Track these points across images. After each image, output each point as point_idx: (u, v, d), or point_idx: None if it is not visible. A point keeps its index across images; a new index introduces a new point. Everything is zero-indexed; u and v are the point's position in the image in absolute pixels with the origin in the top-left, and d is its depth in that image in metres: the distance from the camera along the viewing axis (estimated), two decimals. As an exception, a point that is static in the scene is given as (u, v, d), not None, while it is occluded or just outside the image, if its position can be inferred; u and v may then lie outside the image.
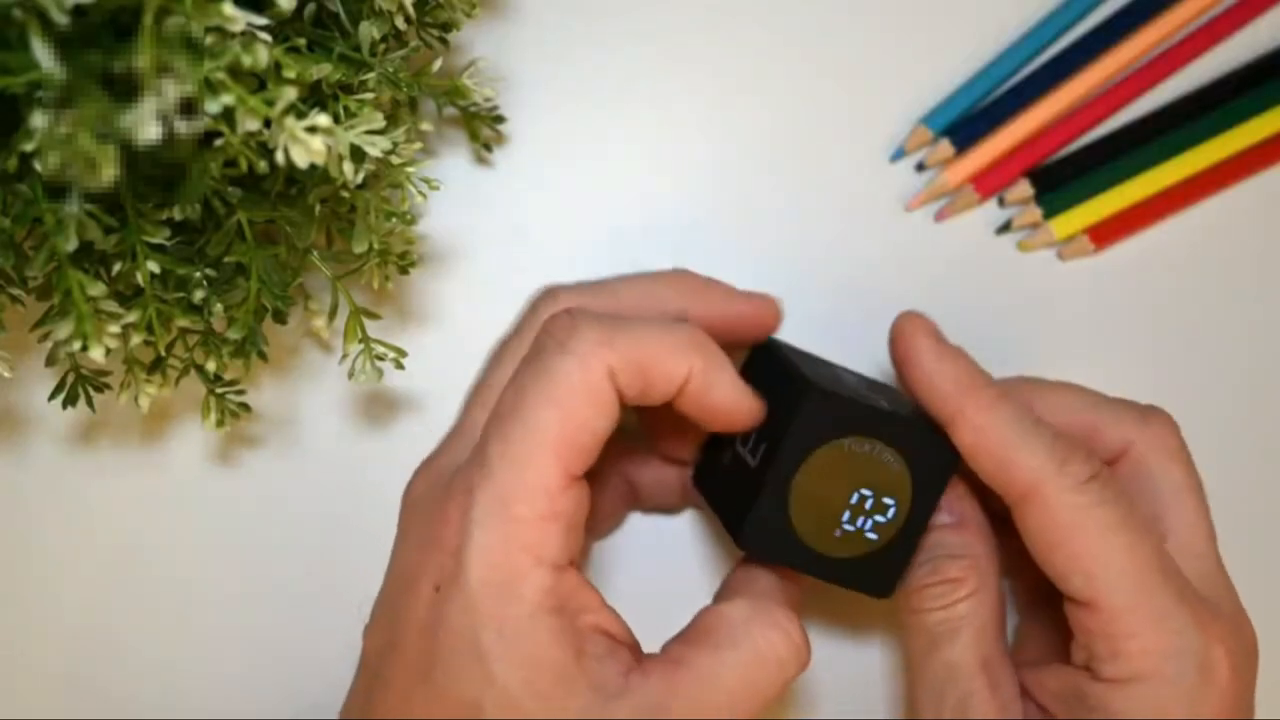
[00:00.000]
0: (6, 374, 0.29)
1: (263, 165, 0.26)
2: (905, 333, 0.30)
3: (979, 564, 0.29)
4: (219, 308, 0.29)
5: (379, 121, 0.27)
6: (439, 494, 0.28)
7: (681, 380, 0.28)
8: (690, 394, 0.28)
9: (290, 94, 0.24)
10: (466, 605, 0.26)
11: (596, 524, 0.34)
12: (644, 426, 0.34)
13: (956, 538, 0.30)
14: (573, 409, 0.27)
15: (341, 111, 0.28)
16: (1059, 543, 0.27)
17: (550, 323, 0.28)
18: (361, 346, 0.31)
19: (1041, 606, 0.33)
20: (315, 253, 0.31)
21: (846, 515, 0.29)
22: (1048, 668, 0.29)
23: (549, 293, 0.32)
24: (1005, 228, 0.36)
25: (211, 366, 0.30)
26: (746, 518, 0.29)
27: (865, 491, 0.29)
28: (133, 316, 0.28)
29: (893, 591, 0.29)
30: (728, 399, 0.28)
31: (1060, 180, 0.36)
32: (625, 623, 0.28)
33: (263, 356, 0.30)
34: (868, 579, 0.29)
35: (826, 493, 0.29)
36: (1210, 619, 0.27)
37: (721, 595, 0.31)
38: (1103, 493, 0.28)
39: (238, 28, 0.23)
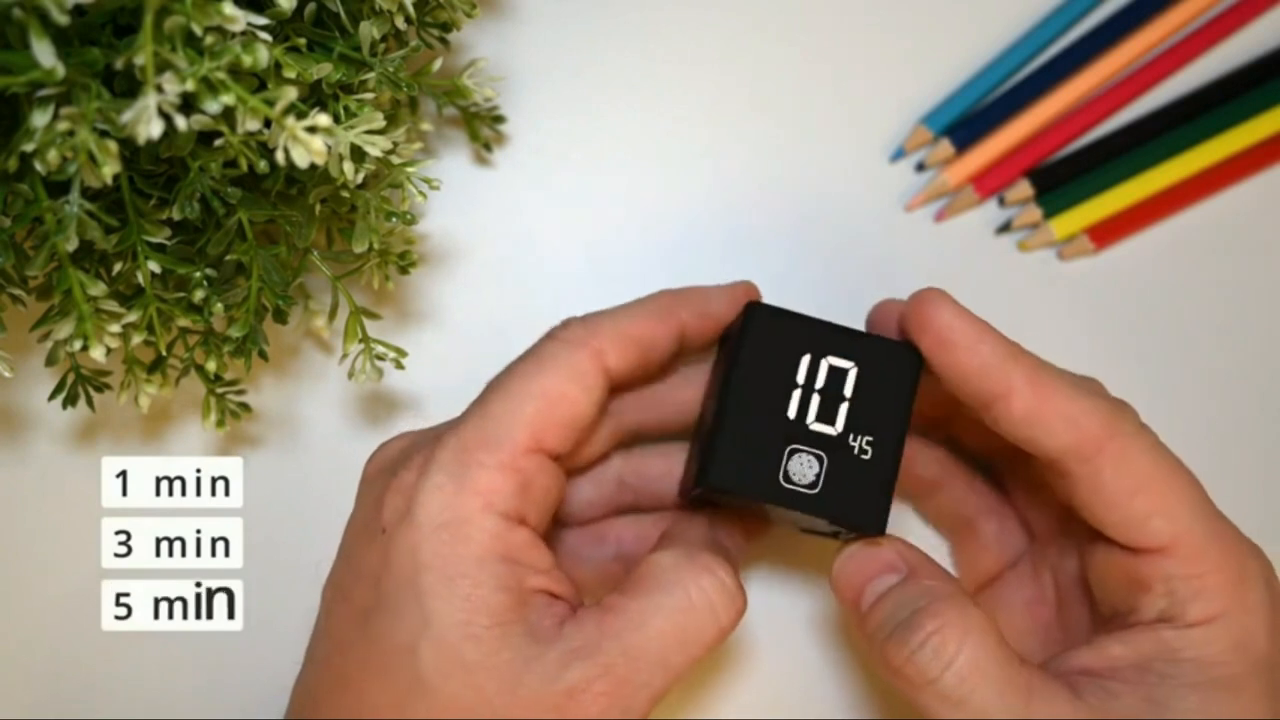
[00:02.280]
0: (7, 374, 0.29)
1: (263, 165, 0.26)
2: (934, 313, 0.28)
3: (950, 600, 0.27)
4: (219, 307, 0.29)
5: (379, 121, 0.27)
6: (409, 449, 0.29)
7: (677, 335, 0.29)
8: (692, 334, 0.30)
9: (290, 94, 0.24)
10: (412, 546, 0.26)
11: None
12: None
13: (913, 589, 0.27)
14: (555, 382, 0.27)
15: (341, 111, 0.28)
16: (1139, 488, 0.27)
17: (549, 330, 0.29)
18: (361, 346, 0.31)
19: (1015, 576, 0.32)
20: (315, 253, 0.31)
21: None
22: (1107, 638, 0.28)
23: (562, 321, 0.32)
24: (1005, 228, 0.36)
25: (212, 366, 0.30)
26: (711, 457, 0.28)
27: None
28: (133, 316, 0.28)
29: (884, 526, 0.27)
30: (722, 313, 0.30)
31: (1060, 180, 0.36)
32: (575, 588, 0.28)
33: (263, 355, 0.30)
34: (851, 510, 0.28)
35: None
36: (1262, 552, 0.28)
37: (658, 546, 0.30)
38: (1155, 435, 0.28)
39: (238, 27, 0.23)
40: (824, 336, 0.28)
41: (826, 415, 0.28)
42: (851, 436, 0.28)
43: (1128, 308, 0.36)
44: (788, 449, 0.28)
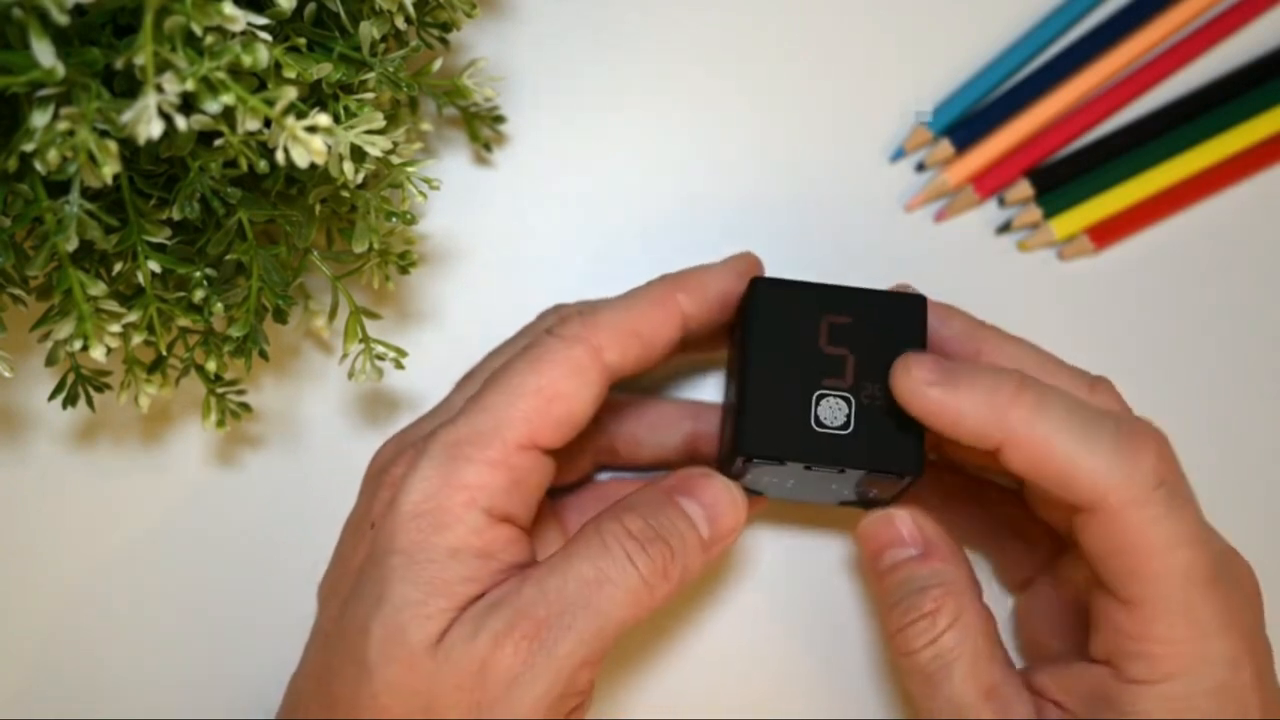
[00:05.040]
0: (7, 374, 0.29)
1: (263, 165, 0.26)
2: (908, 384, 0.27)
3: (953, 589, 0.28)
4: (219, 307, 0.29)
5: (379, 121, 0.27)
6: (402, 446, 0.29)
7: (678, 324, 0.29)
8: (694, 321, 0.29)
9: (290, 94, 0.24)
10: (390, 532, 0.26)
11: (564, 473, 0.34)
12: None
13: (924, 568, 0.29)
14: (553, 379, 0.27)
15: (341, 111, 0.28)
16: (1122, 551, 0.26)
17: (547, 320, 0.29)
18: (361, 346, 0.31)
19: (1043, 582, 0.32)
20: (315, 253, 0.31)
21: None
22: (1068, 668, 0.28)
23: (553, 308, 0.33)
24: (1005, 228, 0.36)
25: (212, 366, 0.30)
26: (743, 427, 0.28)
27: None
28: (133, 316, 0.28)
29: (922, 467, 0.28)
30: (723, 290, 0.30)
31: (1060, 180, 0.36)
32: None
33: (264, 355, 0.30)
34: (890, 457, 0.28)
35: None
36: (1238, 617, 0.26)
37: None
38: (1170, 500, 0.26)
39: (238, 27, 0.23)
40: (828, 298, 0.29)
41: (841, 369, 0.29)
42: (869, 387, 0.28)
43: (1128, 308, 0.36)
44: (815, 395, 0.28)
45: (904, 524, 0.30)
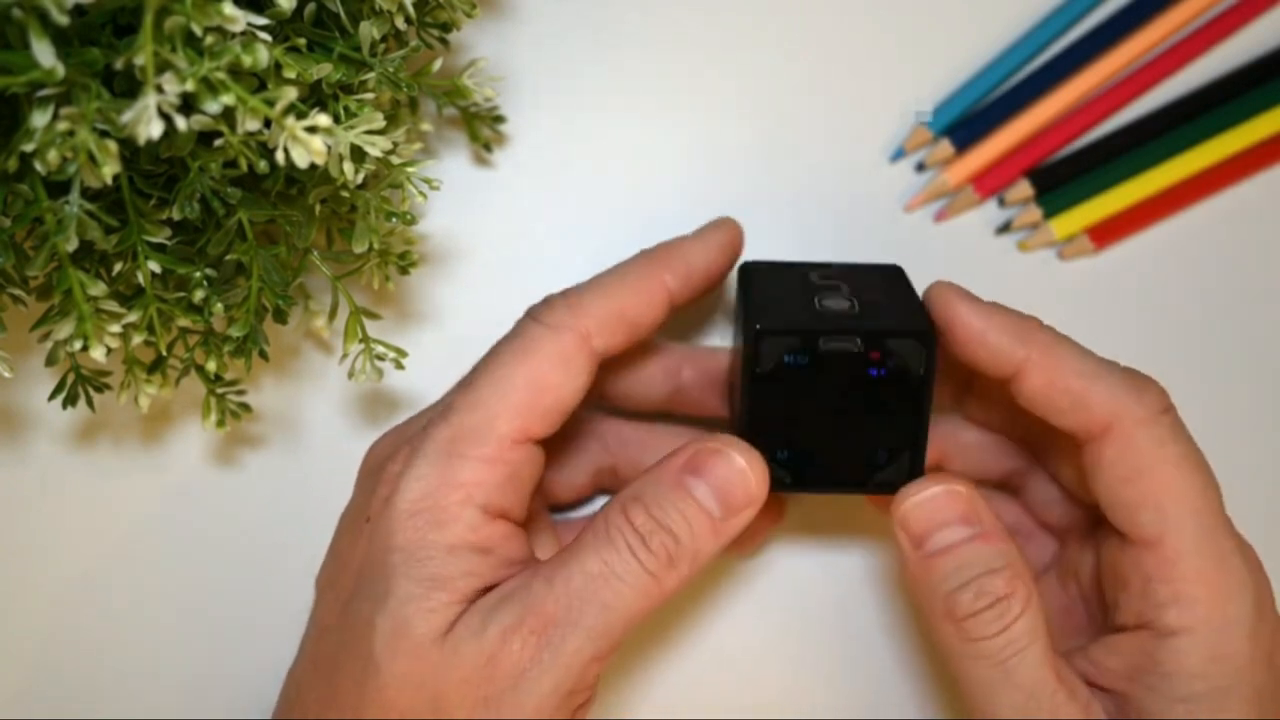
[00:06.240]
0: (7, 374, 0.29)
1: (263, 165, 0.26)
2: (941, 300, 0.29)
3: (1020, 571, 0.27)
4: (219, 307, 0.29)
5: (379, 121, 0.27)
6: (397, 442, 0.29)
7: (665, 304, 0.29)
8: (681, 297, 0.30)
9: (290, 94, 0.24)
10: (388, 529, 0.27)
11: (563, 490, 0.34)
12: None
13: (988, 549, 0.27)
14: (542, 370, 0.27)
15: (341, 111, 0.28)
16: (1135, 476, 0.27)
17: (530, 308, 0.29)
18: (361, 346, 0.31)
19: (1047, 581, 0.32)
20: (315, 253, 0.31)
21: None
22: (1099, 645, 0.28)
23: (544, 300, 0.32)
24: (1005, 228, 0.36)
25: (212, 366, 0.30)
26: (750, 317, 0.28)
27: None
28: (133, 316, 0.28)
29: (934, 335, 0.28)
30: (708, 266, 0.30)
31: (1060, 180, 0.36)
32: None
33: (264, 355, 0.30)
34: (899, 323, 0.28)
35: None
36: (1258, 563, 0.27)
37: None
38: (1176, 427, 0.27)
39: (238, 28, 0.23)
40: (816, 267, 0.32)
41: (839, 292, 0.30)
42: (867, 296, 0.30)
43: (1128, 308, 0.36)
44: (818, 298, 0.29)
45: (958, 501, 0.28)
